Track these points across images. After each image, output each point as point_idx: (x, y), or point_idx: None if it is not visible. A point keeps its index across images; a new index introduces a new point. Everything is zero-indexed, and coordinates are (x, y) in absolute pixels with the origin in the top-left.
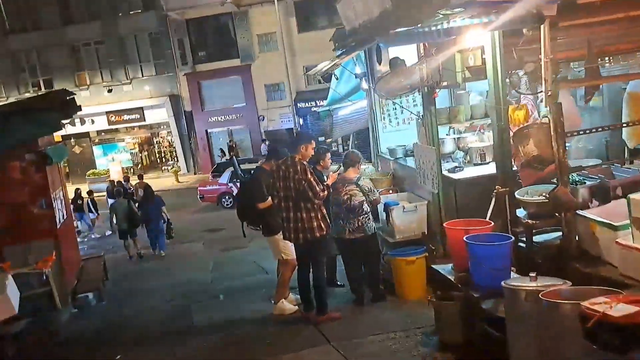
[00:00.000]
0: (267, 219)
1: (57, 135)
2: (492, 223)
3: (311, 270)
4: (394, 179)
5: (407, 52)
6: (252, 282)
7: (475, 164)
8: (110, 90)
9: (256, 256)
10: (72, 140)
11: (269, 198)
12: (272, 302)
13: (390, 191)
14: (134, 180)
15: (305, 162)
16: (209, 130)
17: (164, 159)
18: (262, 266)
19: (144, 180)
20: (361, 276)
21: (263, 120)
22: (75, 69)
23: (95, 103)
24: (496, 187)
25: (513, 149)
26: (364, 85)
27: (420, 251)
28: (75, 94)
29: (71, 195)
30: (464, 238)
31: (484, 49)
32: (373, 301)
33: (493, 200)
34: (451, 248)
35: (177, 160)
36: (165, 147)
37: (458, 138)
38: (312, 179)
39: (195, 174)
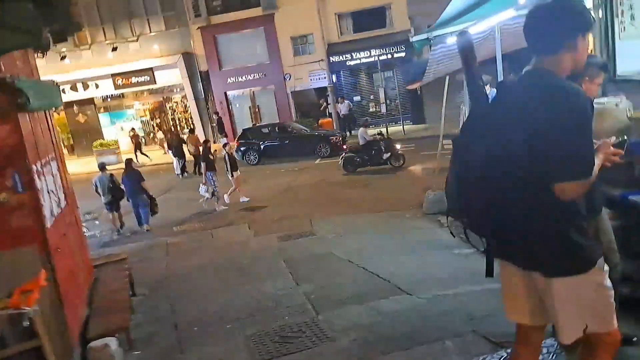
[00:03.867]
0: (575, 228)
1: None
2: None
3: None
4: None
5: None
6: (398, 315)
7: None
8: (115, 49)
9: (340, 249)
10: (75, 107)
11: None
12: None
13: None
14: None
15: None
16: (228, 93)
17: (179, 126)
18: (376, 273)
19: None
20: None
21: (289, 79)
22: None
23: (99, 64)
24: None
25: None
26: None
27: None
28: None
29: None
30: None
31: None
32: None
33: None
34: None
35: (194, 127)
36: (180, 113)
37: None
38: None
39: (214, 142)
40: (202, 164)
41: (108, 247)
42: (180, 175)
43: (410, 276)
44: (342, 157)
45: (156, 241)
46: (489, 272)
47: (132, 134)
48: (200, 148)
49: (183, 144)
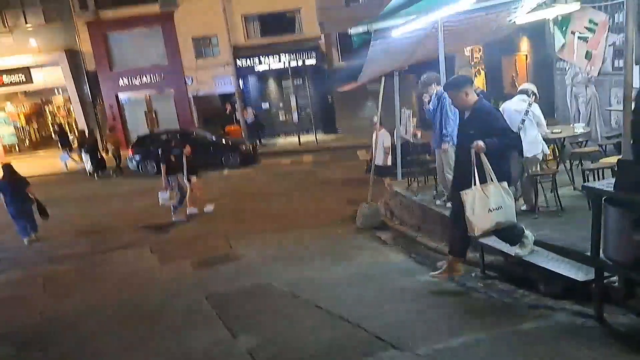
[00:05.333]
0: None
1: None
2: None
3: None
4: None
5: None
6: None
7: None
8: None
9: (277, 278)
10: None
11: None
12: None
13: None
14: None
15: None
16: (120, 96)
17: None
18: (339, 314)
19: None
20: None
21: (191, 82)
22: None
23: None
24: None
25: None
26: None
27: None
28: None
29: None
30: None
31: None
32: None
33: None
34: None
35: (114, 126)
36: (63, 118)
37: None
38: None
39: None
40: (162, 166)
41: None
42: (95, 175)
43: (384, 317)
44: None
45: (29, 271)
46: None
47: None
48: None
49: (97, 143)
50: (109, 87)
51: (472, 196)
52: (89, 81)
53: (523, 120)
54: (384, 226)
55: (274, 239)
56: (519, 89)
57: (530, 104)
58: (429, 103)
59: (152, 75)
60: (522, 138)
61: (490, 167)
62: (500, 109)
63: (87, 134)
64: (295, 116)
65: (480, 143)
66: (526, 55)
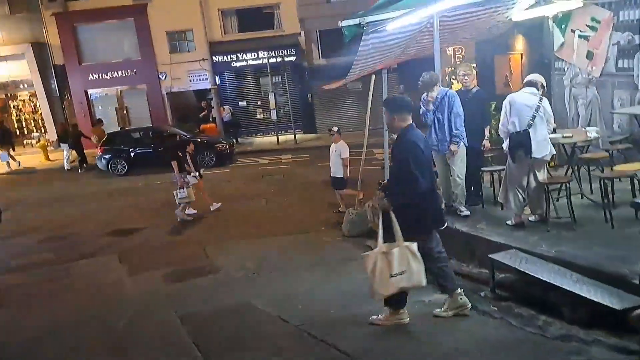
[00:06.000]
0: None
1: None
2: None
3: None
4: None
5: None
6: None
7: None
8: None
9: (260, 297)
10: None
11: None
12: None
13: None
14: None
15: None
16: (89, 92)
17: (25, 129)
18: (335, 345)
19: None
20: None
21: (164, 78)
22: None
23: None
24: None
25: None
26: None
27: None
28: None
29: None
30: None
31: None
32: None
33: None
34: None
35: (46, 131)
36: (28, 114)
37: None
38: None
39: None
40: (173, 163)
41: None
42: (80, 170)
43: (390, 350)
44: None
45: None
46: None
47: None
48: None
49: (81, 137)
50: (78, 82)
51: (373, 260)
52: (57, 76)
53: (534, 117)
54: (372, 233)
55: (255, 248)
56: (525, 80)
57: (541, 99)
58: (431, 104)
59: (123, 70)
60: (531, 136)
61: (398, 227)
62: (508, 101)
63: (69, 128)
64: (273, 114)
65: (386, 202)
66: (521, 55)
